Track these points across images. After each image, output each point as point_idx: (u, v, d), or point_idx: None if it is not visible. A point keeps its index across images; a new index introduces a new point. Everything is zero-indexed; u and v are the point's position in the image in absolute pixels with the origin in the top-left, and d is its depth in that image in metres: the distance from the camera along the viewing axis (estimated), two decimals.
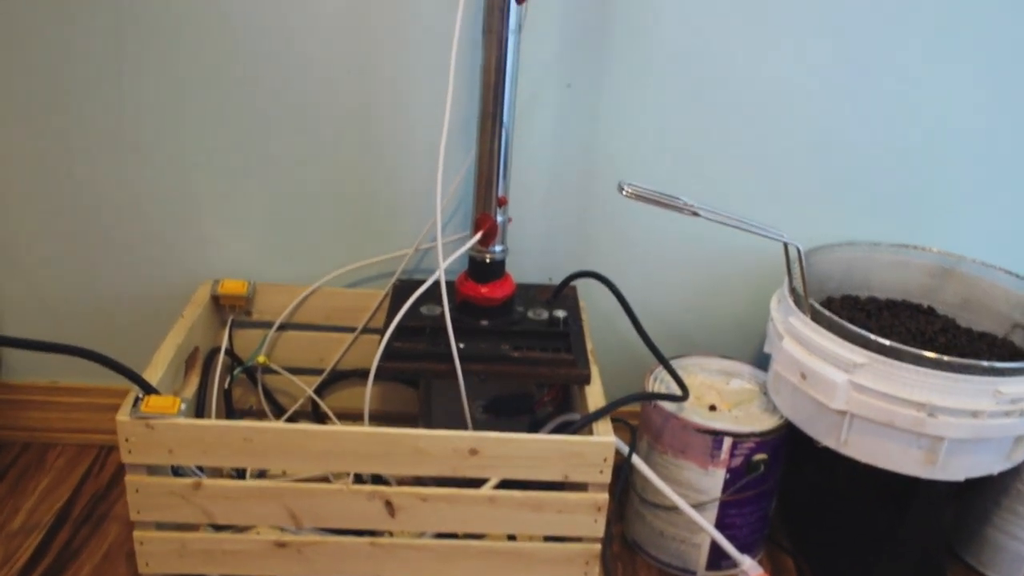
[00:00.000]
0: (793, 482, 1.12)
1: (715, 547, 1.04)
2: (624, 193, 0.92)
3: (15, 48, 1.04)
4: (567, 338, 1.00)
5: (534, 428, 1.03)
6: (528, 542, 0.95)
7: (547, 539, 0.95)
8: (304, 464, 0.89)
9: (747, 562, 1.04)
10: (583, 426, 0.91)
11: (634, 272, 1.16)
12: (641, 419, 1.09)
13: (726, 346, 1.20)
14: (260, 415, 1.19)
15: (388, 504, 0.91)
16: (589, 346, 1.02)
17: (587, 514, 0.91)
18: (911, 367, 0.90)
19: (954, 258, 1.12)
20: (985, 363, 0.90)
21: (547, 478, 0.90)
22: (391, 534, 0.95)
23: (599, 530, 0.92)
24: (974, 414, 0.90)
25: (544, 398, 1.05)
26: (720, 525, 1.04)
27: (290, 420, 1.18)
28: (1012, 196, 1.14)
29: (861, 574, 1.04)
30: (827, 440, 0.98)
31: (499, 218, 1.00)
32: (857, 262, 1.14)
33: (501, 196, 0.99)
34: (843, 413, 0.95)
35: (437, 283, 0.96)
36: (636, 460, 0.99)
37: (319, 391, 1.17)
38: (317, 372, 1.17)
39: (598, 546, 0.93)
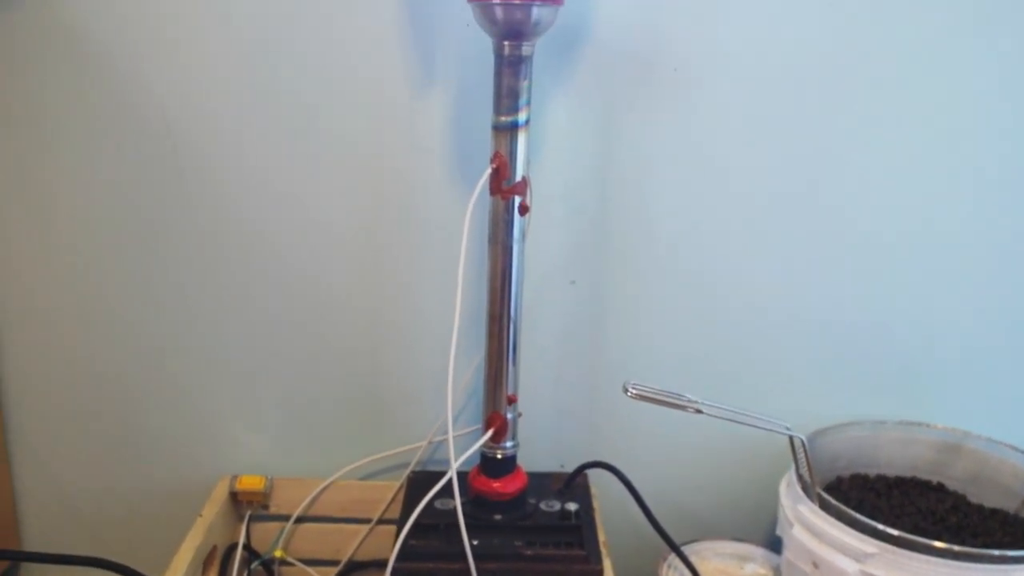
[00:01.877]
0: None
1: None
2: (629, 394, 0.95)
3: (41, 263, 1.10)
4: (579, 531, 1.01)
5: None
6: None
7: None
8: None
9: None
10: None
11: (644, 458, 1.18)
12: None
13: (739, 528, 1.20)
14: None
15: None
16: (601, 538, 1.03)
17: None
18: (922, 556, 0.91)
19: (959, 434, 1.14)
20: (996, 552, 0.90)
21: None
22: None
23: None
24: None
25: None
26: None
27: None
28: (1013, 371, 1.17)
29: None
30: None
31: (509, 415, 1.03)
32: (864, 440, 1.16)
33: (511, 394, 1.02)
34: None
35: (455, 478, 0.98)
36: None
37: None
38: (333, 564, 1.18)
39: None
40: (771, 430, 1.00)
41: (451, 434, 0.95)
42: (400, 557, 0.97)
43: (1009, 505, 1.09)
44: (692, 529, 1.19)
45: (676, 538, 1.08)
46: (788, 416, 1.02)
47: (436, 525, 1.01)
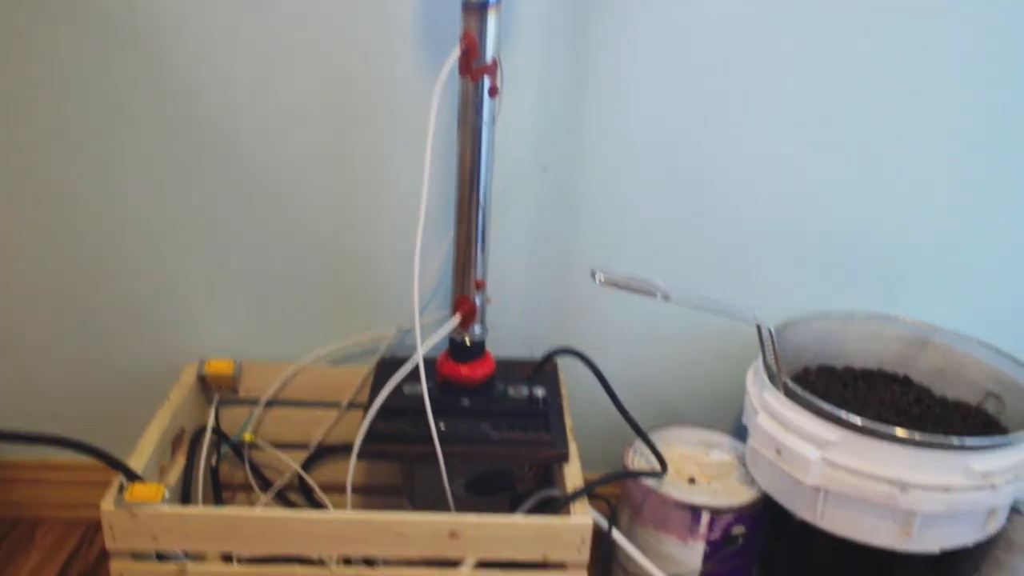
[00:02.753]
0: (774, 552, 1.13)
1: None
2: (598, 281, 0.94)
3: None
4: (546, 417, 1.02)
5: (515, 504, 1.05)
6: None
7: None
8: (287, 548, 0.91)
9: None
10: (560, 508, 0.92)
11: (613, 345, 1.19)
12: (622, 492, 1.10)
13: (706, 415, 1.22)
14: (247, 491, 1.20)
15: None
16: (568, 423, 1.04)
17: None
18: (883, 444, 0.92)
19: (927, 328, 1.15)
20: (956, 440, 0.91)
21: (526, 558, 0.91)
22: None
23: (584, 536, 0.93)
24: (946, 489, 0.92)
25: (526, 474, 1.06)
26: None
27: (278, 495, 1.20)
28: (986, 266, 1.17)
29: None
30: (804, 514, 0.99)
31: (477, 300, 1.02)
32: (832, 333, 1.16)
33: (479, 279, 1.01)
34: (818, 489, 0.96)
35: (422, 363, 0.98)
36: (616, 535, 1.00)
37: (306, 466, 1.18)
38: (303, 447, 1.19)
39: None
40: (739, 319, 1.00)
41: (417, 316, 0.94)
42: (367, 439, 0.97)
43: (972, 398, 1.10)
44: (659, 416, 1.21)
45: (643, 425, 1.08)
46: (758, 306, 1.02)
47: (403, 409, 1.01)
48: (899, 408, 1.07)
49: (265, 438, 1.18)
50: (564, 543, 0.90)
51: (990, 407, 1.08)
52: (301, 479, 1.18)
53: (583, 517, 0.91)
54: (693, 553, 1.03)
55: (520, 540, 0.90)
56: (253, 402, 1.17)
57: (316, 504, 1.20)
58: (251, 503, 1.20)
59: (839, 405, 1.03)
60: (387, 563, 0.96)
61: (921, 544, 0.95)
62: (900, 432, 0.92)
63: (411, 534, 0.90)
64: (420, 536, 0.90)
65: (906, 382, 1.14)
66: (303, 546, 0.90)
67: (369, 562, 0.97)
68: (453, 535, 0.90)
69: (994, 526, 0.98)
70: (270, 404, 1.18)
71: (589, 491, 0.94)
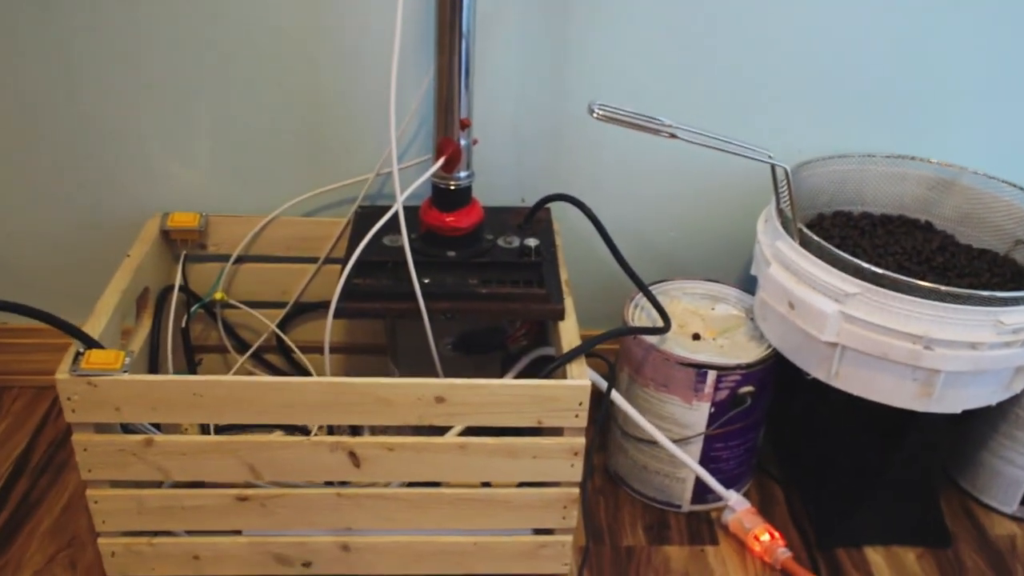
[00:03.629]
0: (784, 409, 1.07)
1: (700, 481, 1.00)
2: (595, 116, 0.84)
3: None
4: (539, 269, 0.93)
5: (508, 364, 0.98)
6: (502, 488, 0.90)
7: (522, 484, 0.90)
8: (260, 418, 0.84)
9: (733, 497, 1.00)
10: (555, 369, 0.85)
11: (612, 191, 1.09)
12: (621, 350, 1.03)
13: (711, 267, 1.14)
14: (222, 352, 1.13)
15: (352, 455, 0.86)
16: (564, 276, 0.95)
17: (563, 459, 0.86)
18: (906, 297, 0.84)
19: (955, 169, 1.05)
20: (985, 293, 0.84)
21: (519, 424, 0.85)
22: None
23: (576, 475, 0.88)
24: (973, 346, 0.85)
25: (517, 332, 0.99)
26: (705, 459, 1.00)
27: (256, 357, 1.13)
28: (1017, 104, 1.06)
29: (852, 504, 1.00)
30: (817, 372, 0.92)
31: (463, 141, 0.92)
32: (850, 175, 1.07)
33: (464, 118, 0.91)
34: (834, 345, 0.89)
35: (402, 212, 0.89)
36: (616, 396, 0.94)
37: (283, 325, 1.11)
38: (280, 305, 1.11)
39: (576, 490, 0.89)
40: (752, 158, 0.90)
41: (395, 160, 0.85)
42: (344, 296, 0.89)
43: (999, 246, 1.02)
44: (661, 268, 1.13)
45: (644, 278, 1.01)
46: (771, 149, 0.92)
47: (384, 263, 0.92)
48: (921, 257, 0.99)
49: (238, 296, 1.10)
50: (560, 408, 0.84)
51: (1019, 256, 1.00)
52: (279, 338, 1.11)
53: (581, 379, 0.83)
54: (698, 414, 0.97)
55: (512, 405, 0.83)
56: (223, 258, 1.08)
57: (296, 365, 1.13)
58: (228, 366, 1.14)
59: (856, 254, 0.95)
60: (372, 430, 0.90)
61: (942, 405, 0.89)
62: (926, 284, 0.84)
63: (395, 400, 0.83)
64: (405, 402, 0.83)
65: (928, 228, 1.06)
66: (279, 415, 0.83)
67: (355, 430, 0.90)
68: (440, 400, 0.83)
69: (1020, 385, 0.91)
70: (241, 260, 1.09)
71: (587, 350, 0.86)
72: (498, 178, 1.08)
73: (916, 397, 0.89)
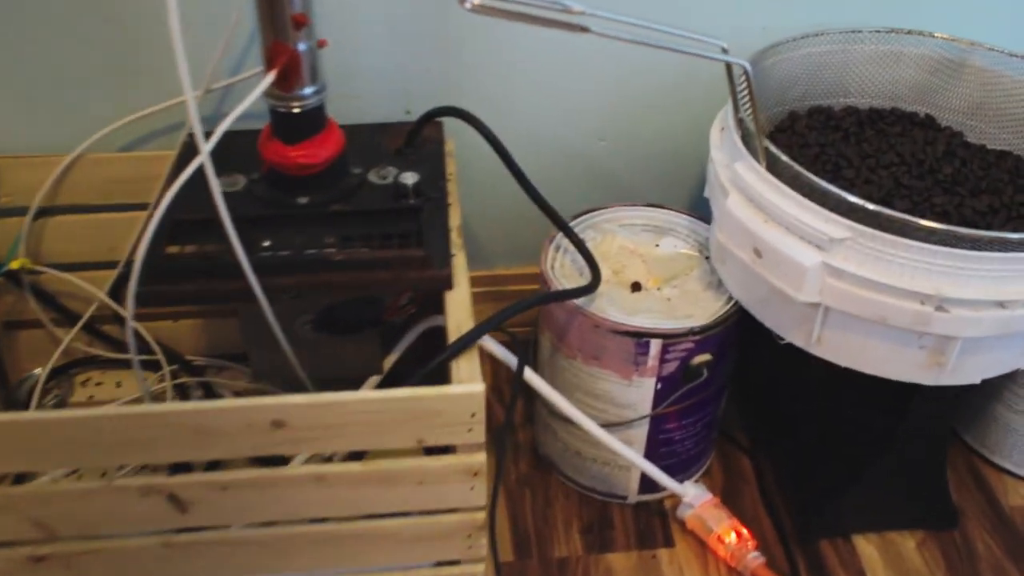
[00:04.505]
0: (752, 366, 0.86)
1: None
2: (468, 6, 0.58)
3: None
4: (417, 217, 0.69)
5: (391, 342, 0.75)
6: (383, 520, 0.68)
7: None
8: (42, 462, 0.61)
9: (690, 492, 0.79)
10: (431, 371, 0.62)
11: (520, 102, 0.85)
12: (540, 313, 0.80)
13: (655, 188, 0.90)
14: (37, 327, 0.89)
15: (174, 499, 0.63)
16: (455, 221, 0.72)
17: (459, 482, 0.65)
18: (912, 243, 0.61)
19: (963, 46, 0.81)
20: (1017, 236, 0.61)
21: (390, 446, 0.62)
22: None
23: (479, 498, 0.66)
24: (1002, 304, 0.63)
25: (397, 301, 0.75)
26: (654, 444, 0.79)
27: (86, 328, 0.89)
28: None
29: (841, 487, 0.79)
30: (793, 336, 0.70)
31: (301, 46, 0.66)
32: (830, 59, 0.82)
33: (297, 13, 0.65)
34: (815, 306, 0.67)
35: (227, 149, 0.65)
36: (531, 377, 0.72)
37: (114, 293, 0.87)
38: (107, 266, 0.87)
39: (481, 515, 0.67)
40: (698, 55, 0.65)
41: (185, 74, 0.59)
42: (146, 276, 0.65)
43: (1021, 146, 0.79)
44: (588, 197, 0.89)
45: (567, 210, 0.77)
46: (728, 29, 0.67)
47: (210, 221, 0.67)
48: (923, 165, 0.75)
49: (51, 258, 0.86)
50: (446, 423, 0.61)
51: None
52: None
53: (471, 384, 0.61)
54: (640, 392, 0.75)
55: (378, 425, 0.61)
56: (20, 212, 0.83)
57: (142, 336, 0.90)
58: (56, 342, 0.90)
59: (839, 168, 0.73)
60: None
61: (957, 375, 0.67)
62: (937, 226, 0.61)
63: (216, 429, 0.60)
64: (232, 430, 0.60)
65: (930, 125, 0.82)
66: (65, 457, 0.61)
67: (178, 466, 0.68)
68: (279, 425, 0.60)
69: None
70: (46, 213, 0.84)
71: (476, 339, 0.63)
72: (374, 87, 0.83)
73: (923, 368, 0.67)
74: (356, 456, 0.65)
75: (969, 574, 0.78)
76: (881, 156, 0.76)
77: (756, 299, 0.72)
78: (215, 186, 0.62)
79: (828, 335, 0.68)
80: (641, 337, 0.72)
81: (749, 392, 0.89)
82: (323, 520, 0.67)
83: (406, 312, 0.76)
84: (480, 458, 0.64)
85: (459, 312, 0.66)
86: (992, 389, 0.84)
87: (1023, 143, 0.79)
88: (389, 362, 0.76)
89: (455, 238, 0.70)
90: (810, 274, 0.64)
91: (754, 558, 0.76)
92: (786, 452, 0.85)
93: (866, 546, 0.80)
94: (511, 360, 0.69)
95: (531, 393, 0.83)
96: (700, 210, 0.83)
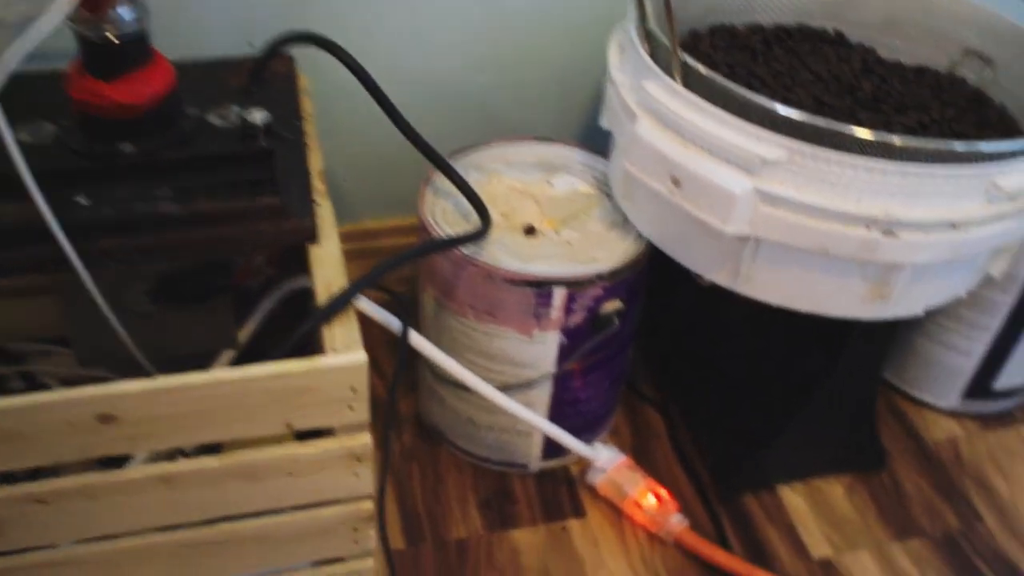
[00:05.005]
0: (660, 314, 0.77)
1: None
2: None
3: None
4: (270, 161, 0.57)
5: (243, 314, 0.63)
6: (253, 520, 0.57)
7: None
8: None
9: (602, 456, 0.70)
10: (299, 340, 0.51)
11: (386, 29, 0.72)
12: (422, 265, 0.69)
13: (541, 122, 0.80)
14: None
15: None
16: (315, 167, 0.60)
17: (340, 469, 0.54)
18: (859, 161, 0.53)
19: None
20: (985, 146, 0.54)
21: (252, 434, 0.51)
22: None
23: (364, 486, 0.55)
24: (953, 225, 0.56)
25: (251, 262, 0.63)
26: (558, 404, 0.69)
27: None
28: None
29: (765, 437, 0.72)
30: (717, 275, 0.62)
31: None
32: None
33: None
34: (745, 239, 0.58)
35: (33, 93, 0.51)
36: (418, 341, 0.61)
37: None
38: None
39: (368, 505, 0.56)
40: None
41: None
42: None
43: (939, 60, 0.72)
44: (468, 135, 0.78)
45: (445, 146, 0.66)
46: None
47: (11, 177, 0.53)
48: (841, 83, 0.68)
49: None
50: (321, 401, 0.50)
51: (968, 72, 0.71)
52: None
53: (350, 354, 0.49)
54: (543, 349, 0.66)
55: (236, 411, 0.49)
56: None
57: None
58: None
59: (751, 83, 0.66)
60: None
61: (901, 307, 0.61)
62: (895, 139, 0.53)
63: (29, 430, 0.47)
64: (51, 431, 0.47)
65: (840, 42, 0.74)
66: None
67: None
68: (107, 419, 0.47)
69: (998, 266, 0.64)
70: None
71: (349, 298, 0.52)
72: (207, 15, 0.69)
73: (865, 301, 0.60)
74: (211, 449, 0.53)
75: (902, 517, 0.73)
76: (796, 74, 0.68)
77: (672, 236, 0.63)
78: (6, 133, 0.48)
79: (758, 272, 0.60)
80: (542, 286, 0.62)
81: (657, 340, 0.81)
82: (175, 528, 0.55)
83: (262, 275, 0.64)
84: (364, 440, 0.53)
85: (328, 269, 0.54)
86: (914, 321, 0.79)
87: (940, 57, 0.72)
88: (245, 334, 0.64)
89: (317, 184, 0.58)
90: (740, 202, 0.56)
91: (678, 522, 0.68)
92: (703, 403, 0.77)
93: (792, 496, 0.74)
94: (393, 323, 0.58)
95: (412, 358, 0.72)
96: (595, 143, 0.74)
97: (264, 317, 0.63)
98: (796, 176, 0.55)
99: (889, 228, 0.55)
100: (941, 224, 0.55)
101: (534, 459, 0.73)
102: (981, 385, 0.79)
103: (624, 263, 0.64)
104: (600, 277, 0.63)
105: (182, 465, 0.51)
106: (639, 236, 0.66)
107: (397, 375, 0.58)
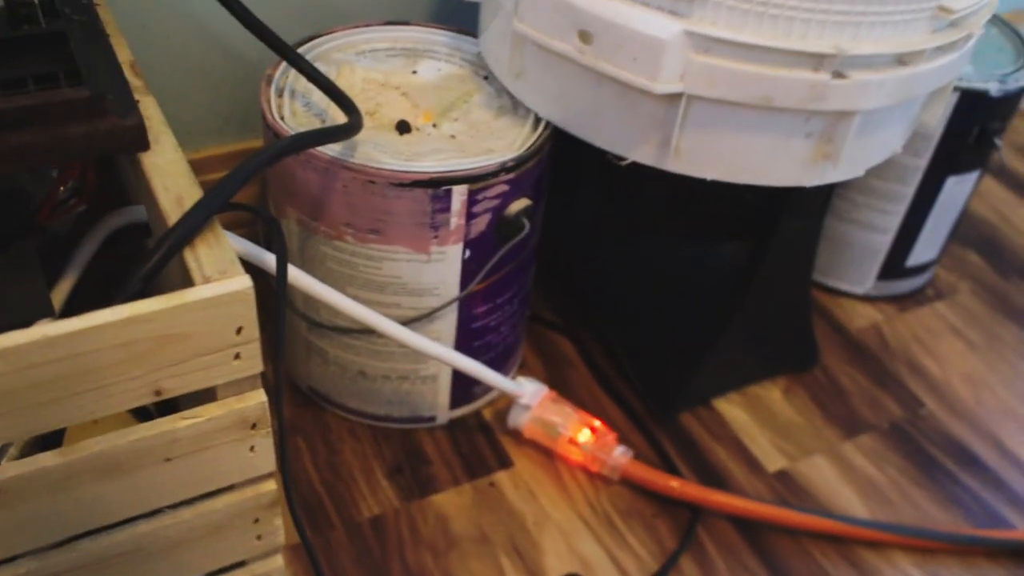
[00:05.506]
0: (561, 224, 0.67)
1: (458, 375, 0.59)
2: None
3: None
4: (64, 46, 0.42)
5: (53, 268, 0.48)
6: (117, 531, 0.43)
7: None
8: None
9: (527, 390, 0.60)
10: (157, 271, 0.37)
11: None
12: (274, 180, 0.56)
13: (388, 3, 0.67)
14: None
15: None
16: (125, 55, 0.45)
17: (231, 443, 0.40)
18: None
19: None
20: None
21: (106, 411, 0.37)
22: None
23: (263, 462, 0.42)
24: (902, 61, 0.48)
25: (56, 191, 0.48)
26: (465, 336, 0.58)
27: None
28: None
29: (698, 351, 0.64)
30: (641, 151, 0.52)
31: None
32: None
33: None
34: (674, 99, 0.49)
35: None
36: (297, 276, 0.48)
37: None
38: None
39: (270, 486, 0.43)
40: None
41: None
42: None
43: None
44: (303, 21, 0.65)
45: (291, 35, 0.53)
46: None
47: None
48: None
49: None
50: (193, 352, 0.37)
51: None
52: None
53: (228, 280, 0.36)
54: (443, 268, 0.54)
55: (75, 378, 0.35)
56: None
57: None
58: None
59: None
60: None
61: (842, 169, 0.53)
62: None
63: None
64: None
65: None
66: None
67: None
68: None
69: (931, 115, 0.57)
70: None
71: (207, 214, 0.39)
72: None
73: (808, 163, 0.52)
74: (50, 441, 0.38)
75: (846, 414, 0.67)
76: None
77: (582, 112, 0.53)
78: None
79: (690, 141, 0.50)
80: (438, 186, 0.51)
81: (557, 256, 0.71)
82: (9, 561, 0.40)
83: (72, 210, 0.48)
84: (259, 399, 0.40)
85: (173, 179, 0.41)
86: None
87: None
88: (61, 295, 0.49)
89: (132, 78, 0.44)
90: (669, 51, 0.46)
91: (621, 454, 0.59)
92: (621, 321, 0.68)
93: (731, 409, 0.66)
94: (262, 257, 0.45)
95: (280, 302, 0.60)
96: (456, 19, 0.63)
97: (82, 271, 0.48)
98: (731, 13, 0.46)
99: (838, 69, 0.47)
100: (889, 60, 0.48)
101: (442, 409, 0.61)
102: (895, 263, 0.74)
103: (530, 148, 0.53)
104: (505, 168, 0.52)
105: (8, 469, 0.36)
106: (537, 121, 0.56)
107: (281, 316, 0.44)
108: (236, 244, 0.43)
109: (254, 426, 0.40)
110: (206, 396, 0.39)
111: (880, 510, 0.61)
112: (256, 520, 0.44)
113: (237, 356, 0.38)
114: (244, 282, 0.36)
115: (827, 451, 0.64)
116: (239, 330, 0.37)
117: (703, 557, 0.57)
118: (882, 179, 0.70)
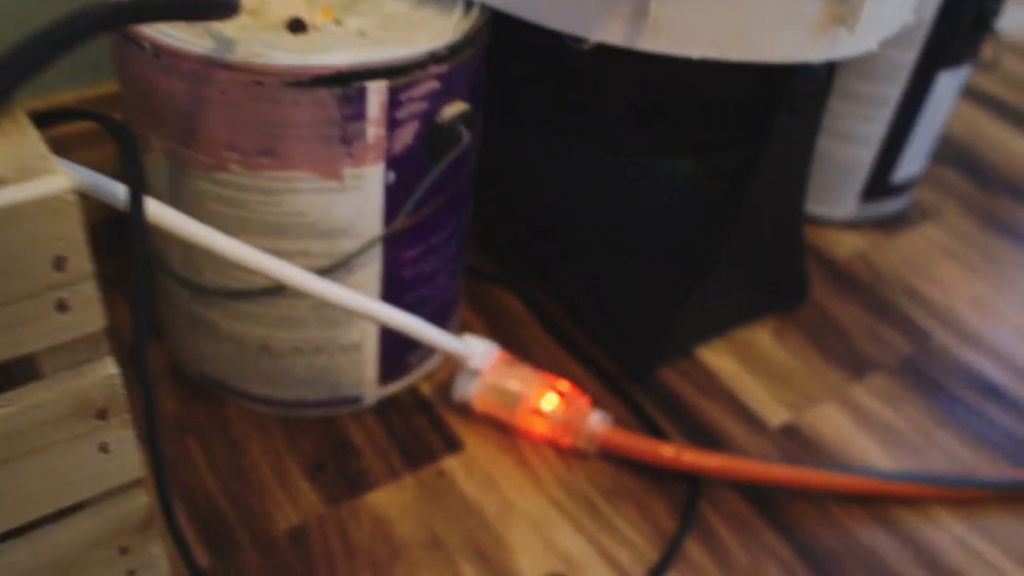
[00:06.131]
0: (495, 155, 0.55)
1: (386, 341, 0.47)
2: None
3: None
4: None
5: None
6: None
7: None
8: None
9: (476, 350, 0.48)
10: None
11: None
12: (130, 102, 0.43)
13: None
14: None
15: None
16: None
17: (71, 438, 0.28)
18: None
19: None
20: None
21: None
22: None
23: (124, 465, 0.29)
24: None
25: None
26: (391, 288, 0.46)
27: None
28: None
29: (679, 294, 0.52)
30: (610, 29, 0.40)
31: None
32: None
33: None
34: None
35: None
36: (160, 212, 0.35)
37: None
38: None
39: (140, 500, 0.31)
40: None
41: None
42: None
43: None
44: None
45: None
46: None
47: None
48: None
49: None
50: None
51: None
52: None
53: (39, 179, 0.24)
54: (360, 198, 0.42)
55: None
56: None
57: None
58: None
59: None
60: None
61: (855, 40, 0.42)
62: None
63: None
64: None
65: None
66: None
67: None
68: None
69: None
70: None
71: (9, 88, 0.26)
72: None
73: (817, 30, 0.41)
74: None
75: (847, 352, 0.57)
76: None
77: None
78: None
79: (671, 7, 0.39)
80: (348, 83, 0.38)
81: (492, 192, 0.59)
82: None
83: None
84: (105, 372, 0.27)
85: None
86: None
87: None
88: None
89: None
90: None
91: (598, 421, 0.47)
92: (581, 267, 0.56)
93: (717, 358, 0.55)
94: (110, 188, 0.32)
95: (148, 267, 0.47)
96: None
97: None
98: None
99: None
100: None
101: (369, 386, 0.49)
102: (879, 180, 0.65)
103: (464, 35, 0.41)
104: (436, 58, 0.40)
105: None
106: (469, 7, 0.44)
107: (140, 274, 0.31)
108: (73, 171, 0.30)
109: (103, 414, 0.27)
110: (25, 372, 0.26)
111: (906, 459, 0.51)
112: (123, 550, 0.31)
113: (62, 306, 0.25)
114: (59, 182, 0.23)
115: (834, 397, 0.54)
116: (59, 262, 0.24)
117: (711, 538, 0.46)
118: (865, 80, 0.60)
